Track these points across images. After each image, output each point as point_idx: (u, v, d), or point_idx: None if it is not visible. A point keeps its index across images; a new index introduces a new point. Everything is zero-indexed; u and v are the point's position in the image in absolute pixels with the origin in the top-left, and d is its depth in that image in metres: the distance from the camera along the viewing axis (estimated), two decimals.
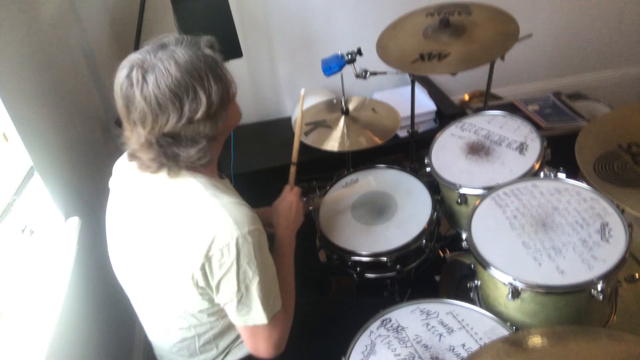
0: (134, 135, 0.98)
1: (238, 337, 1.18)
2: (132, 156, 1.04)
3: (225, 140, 1.14)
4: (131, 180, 1.11)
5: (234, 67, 1.21)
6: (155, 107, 0.92)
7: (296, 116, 1.58)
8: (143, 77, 0.92)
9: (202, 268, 0.98)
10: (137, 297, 1.17)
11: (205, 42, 1.00)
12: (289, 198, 1.36)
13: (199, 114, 0.95)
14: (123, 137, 1.03)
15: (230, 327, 1.14)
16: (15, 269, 1.16)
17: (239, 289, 1.00)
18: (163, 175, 1.04)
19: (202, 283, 1.00)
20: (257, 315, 1.04)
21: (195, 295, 1.03)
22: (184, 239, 0.99)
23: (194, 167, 1.04)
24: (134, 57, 0.96)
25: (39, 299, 1.16)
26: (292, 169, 1.48)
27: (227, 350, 1.19)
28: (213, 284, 1.01)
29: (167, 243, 1.02)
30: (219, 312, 1.09)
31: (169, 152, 0.98)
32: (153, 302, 1.14)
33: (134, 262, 1.11)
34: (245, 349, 1.17)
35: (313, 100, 2.12)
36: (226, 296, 1.02)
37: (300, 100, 1.53)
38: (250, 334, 1.09)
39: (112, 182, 1.18)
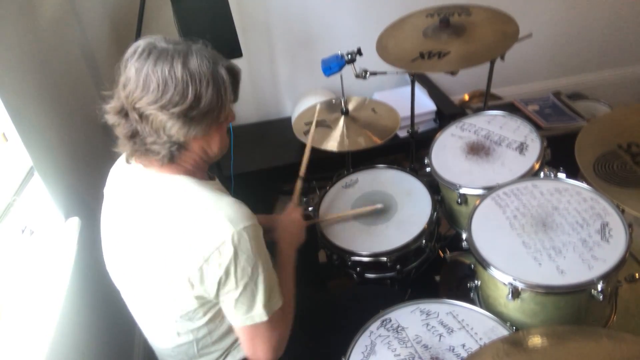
0: (114, 99, 0.98)
1: (237, 339, 1.17)
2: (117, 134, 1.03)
3: (207, 163, 1.11)
4: (124, 185, 1.11)
5: None
6: (141, 80, 0.92)
7: (310, 133, 1.60)
8: (148, 53, 0.93)
9: (200, 269, 0.97)
10: (133, 302, 1.17)
11: (225, 63, 0.99)
12: (294, 215, 1.39)
13: (176, 109, 0.93)
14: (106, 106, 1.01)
15: (228, 330, 1.13)
16: (15, 269, 1.16)
17: (237, 286, 0.99)
18: (154, 174, 1.04)
19: (198, 285, 0.99)
20: (257, 313, 1.03)
21: (191, 299, 1.02)
22: (179, 241, 0.98)
23: (183, 168, 1.04)
24: (153, 37, 0.97)
25: (39, 299, 1.16)
26: (299, 183, 1.48)
27: (226, 353, 1.19)
28: (211, 284, 0.99)
29: (161, 247, 1.01)
30: (216, 316, 1.09)
31: (133, 128, 0.97)
32: (149, 307, 1.13)
33: (129, 267, 1.10)
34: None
35: (313, 100, 2.12)
36: (225, 295, 1.02)
37: (315, 116, 1.56)
38: (250, 336, 1.08)
39: (106, 189, 1.17)
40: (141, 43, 0.95)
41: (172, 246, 0.99)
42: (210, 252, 0.96)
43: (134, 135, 0.98)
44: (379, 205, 1.56)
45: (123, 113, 0.97)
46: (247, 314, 1.04)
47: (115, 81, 0.98)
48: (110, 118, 0.99)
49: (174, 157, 1.01)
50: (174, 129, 0.95)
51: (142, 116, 0.95)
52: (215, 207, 0.99)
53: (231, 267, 0.97)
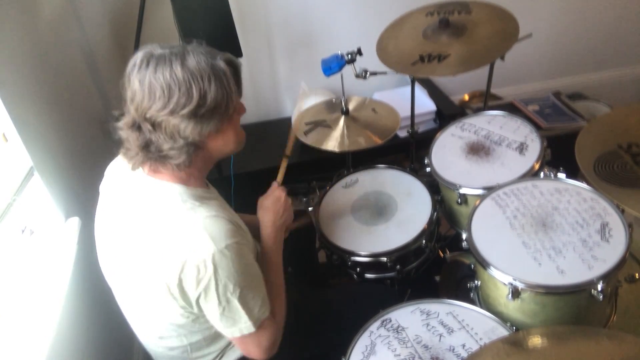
0: (125, 115, 1.00)
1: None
2: (123, 144, 1.04)
3: (216, 161, 1.12)
4: (120, 186, 1.11)
5: None
6: (145, 90, 0.94)
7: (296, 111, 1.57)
8: (147, 62, 0.95)
9: (179, 284, 0.97)
10: (125, 307, 1.17)
11: (223, 56, 1.00)
12: (277, 193, 1.31)
13: (185, 110, 0.94)
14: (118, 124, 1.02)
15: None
16: (15, 269, 1.16)
17: (220, 303, 0.99)
18: (147, 178, 1.04)
19: (180, 298, 1.00)
20: (244, 325, 1.03)
21: (177, 309, 1.03)
22: (161, 254, 0.98)
23: (178, 175, 1.04)
24: (149, 46, 0.98)
25: (39, 299, 1.16)
26: (284, 163, 1.46)
27: (221, 354, 1.19)
28: (192, 299, 1.00)
29: (145, 256, 1.01)
30: (207, 322, 1.08)
31: (147, 139, 0.98)
32: (140, 313, 1.13)
33: (120, 270, 1.10)
34: (239, 350, 1.17)
35: (313, 100, 2.12)
36: (208, 310, 1.02)
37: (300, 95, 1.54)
38: (240, 342, 1.09)
39: (102, 186, 1.17)
40: (139, 55, 0.97)
41: (154, 258, 0.99)
42: (189, 269, 0.96)
43: (148, 145, 0.99)
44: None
45: (136, 126, 0.98)
46: (234, 326, 1.04)
47: (123, 98, 0.99)
48: (124, 133, 1.00)
49: (192, 161, 1.02)
50: (188, 130, 0.97)
51: (154, 125, 0.96)
52: (198, 223, 0.98)
53: (211, 284, 0.97)
